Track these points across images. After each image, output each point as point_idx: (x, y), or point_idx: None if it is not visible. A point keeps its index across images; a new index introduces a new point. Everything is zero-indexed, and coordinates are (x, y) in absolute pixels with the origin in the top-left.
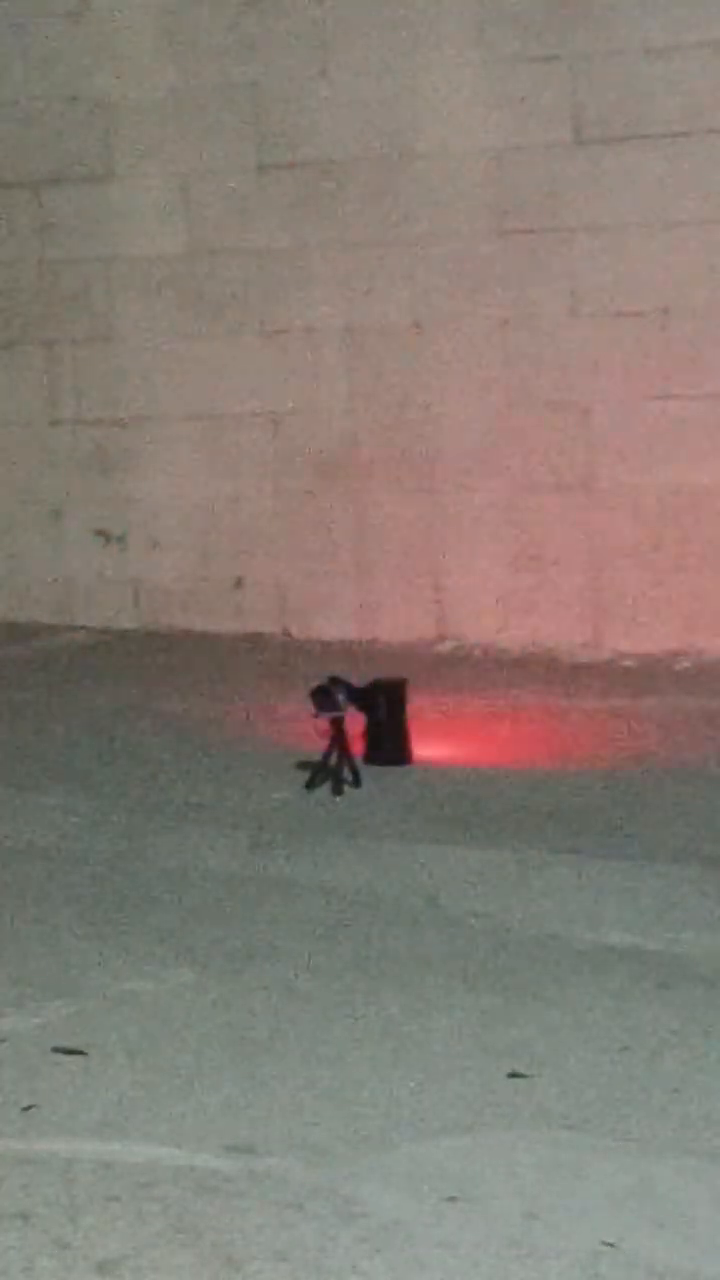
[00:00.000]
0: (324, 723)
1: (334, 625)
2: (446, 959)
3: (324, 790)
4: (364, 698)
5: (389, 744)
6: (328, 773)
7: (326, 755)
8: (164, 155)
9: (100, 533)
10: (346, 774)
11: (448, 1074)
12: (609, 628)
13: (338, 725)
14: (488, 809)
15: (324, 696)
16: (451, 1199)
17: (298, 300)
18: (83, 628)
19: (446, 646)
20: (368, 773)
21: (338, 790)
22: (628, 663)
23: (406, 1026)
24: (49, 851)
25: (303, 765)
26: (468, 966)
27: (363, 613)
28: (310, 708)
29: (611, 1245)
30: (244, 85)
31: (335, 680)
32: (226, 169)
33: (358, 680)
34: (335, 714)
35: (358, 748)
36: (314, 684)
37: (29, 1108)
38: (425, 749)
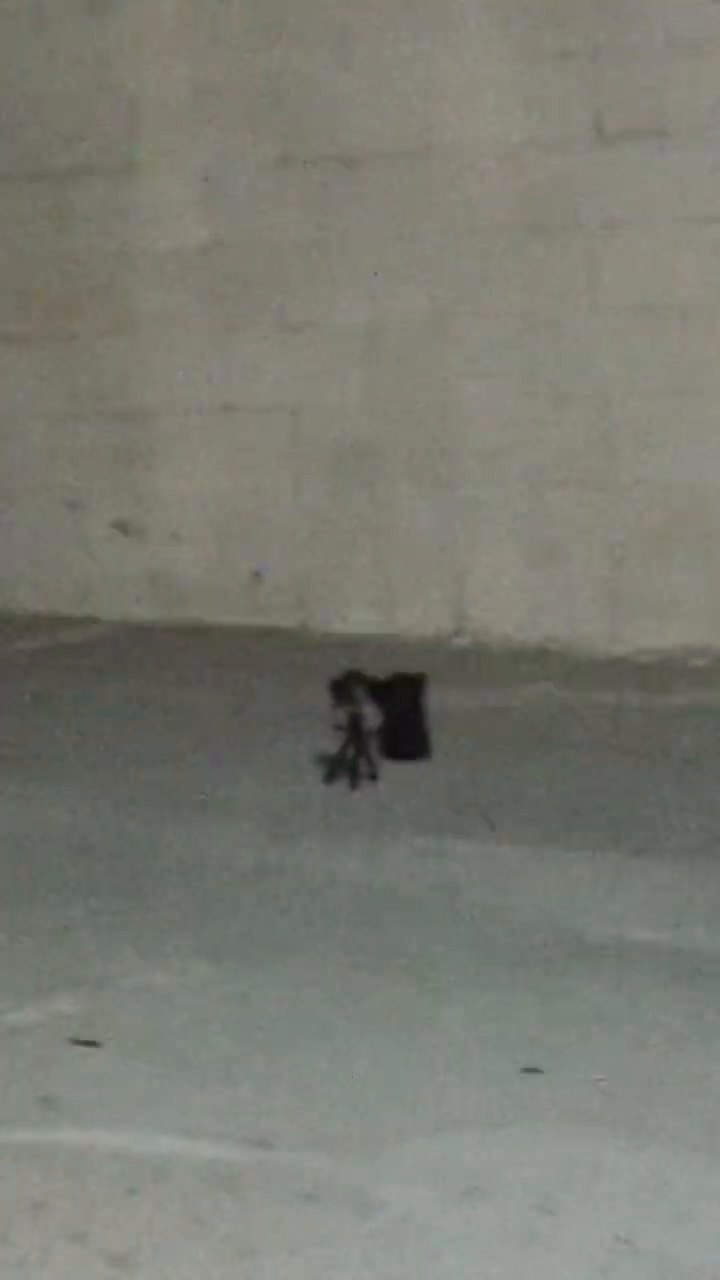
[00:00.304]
0: (342, 716)
1: (353, 619)
2: (463, 953)
3: (342, 784)
4: (383, 692)
5: (407, 738)
6: (345, 766)
7: (344, 749)
8: (186, 148)
9: (119, 525)
10: (364, 768)
11: (464, 1068)
12: (628, 623)
13: (356, 719)
14: (506, 804)
15: (342, 690)
16: (466, 1192)
17: (319, 294)
18: (101, 620)
19: (465, 640)
20: (385, 767)
21: (354, 784)
22: (646, 658)
23: (423, 1020)
24: (65, 842)
25: (321, 759)
26: (484, 961)
27: (381, 606)
28: (329, 701)
29: (627, 1240)
30: (266, 79)
31: (354, 674)
32: (248, 162)
33: (376, 674)
34: (353, 708)
35: (376, 742)
36: (333, 677)
37: (44, 1099)
38: (443, 743)
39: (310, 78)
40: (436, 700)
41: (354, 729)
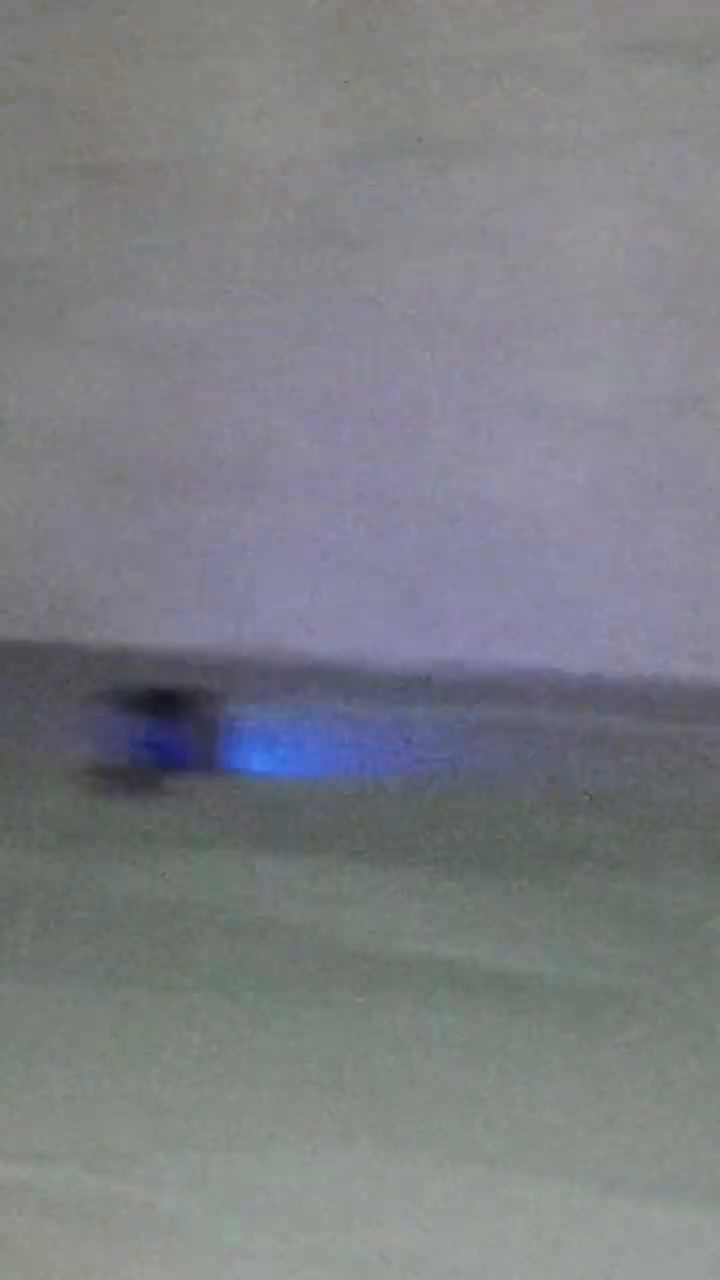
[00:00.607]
0: (123, 727)
1: (133, 632)
2: (256, 969)
3: (130, 796)
4: (165, 704)
5: (198, 752)
6: (127, 777)
7: (132, 761)
8: None
9: None
10: (146, 779)
11: (255, 1084)
12: (413, 637)
13: (136, 730)
14: (297, 819)
15: (124, 701)
16: (250, 1207)
17: (89, 307)
18: None
19: (247, 653)
20: (178, 781)
21: (137, 794)
22: (433, 672)
23: (211, 1035)
24: None
25: (100, 769)
26: (279, 977)
27: (161, 619)
28: (113, 713)
29: (420, 1257)
30: (38, 88)
31: (135, 686)
32: (18, 173)
33: (159, 687)
34: (143, 720)
35: (168, 755)
36: (113, 689)
37: None
38: (234, 757)
39: (86, 87)
40: (219, 714)
41: (136, 740)
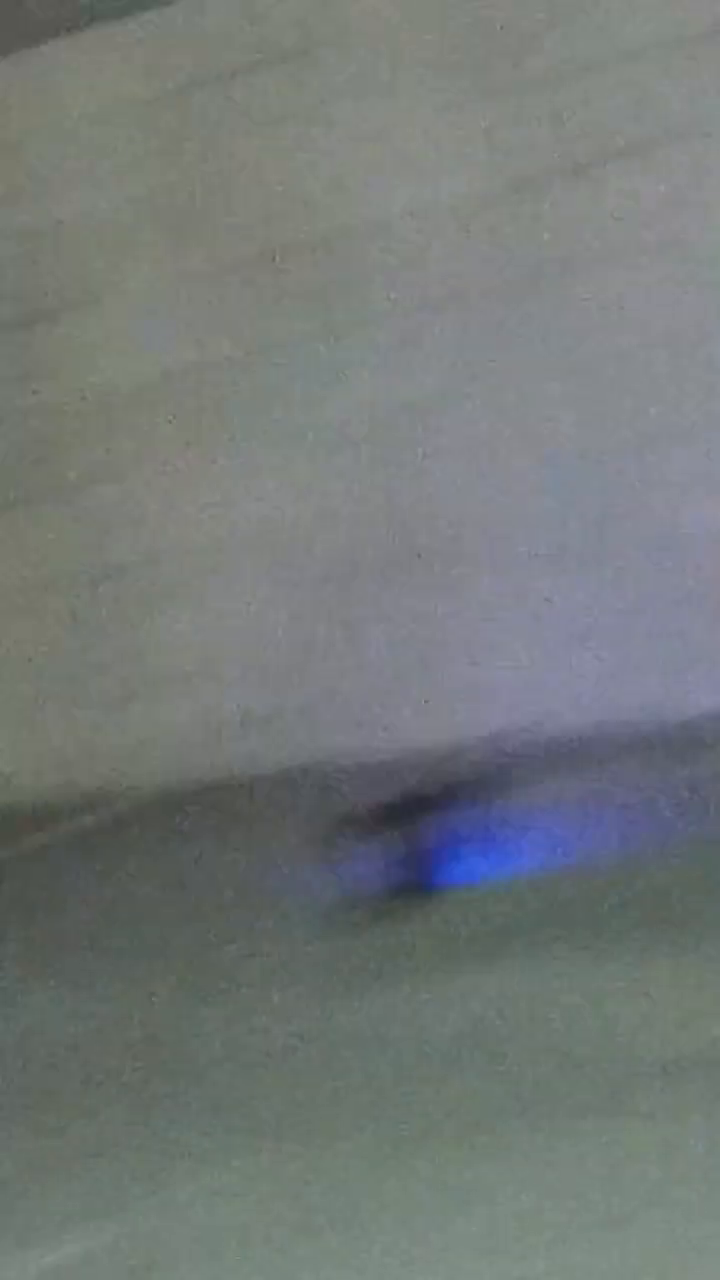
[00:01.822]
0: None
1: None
2: (515, 1104)
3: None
4: (426, 811)
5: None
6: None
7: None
8: (131, 273)
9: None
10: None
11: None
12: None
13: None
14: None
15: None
16: None
17: (307, 399)
18: (107, 790)
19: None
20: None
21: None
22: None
23: (502, 1193)
24: (87, 1046)
25: (360, 902)
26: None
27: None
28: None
29: None
30: (202, 188)
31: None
32: (193, 275)
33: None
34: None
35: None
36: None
37: None
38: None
39: (232, 179)
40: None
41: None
